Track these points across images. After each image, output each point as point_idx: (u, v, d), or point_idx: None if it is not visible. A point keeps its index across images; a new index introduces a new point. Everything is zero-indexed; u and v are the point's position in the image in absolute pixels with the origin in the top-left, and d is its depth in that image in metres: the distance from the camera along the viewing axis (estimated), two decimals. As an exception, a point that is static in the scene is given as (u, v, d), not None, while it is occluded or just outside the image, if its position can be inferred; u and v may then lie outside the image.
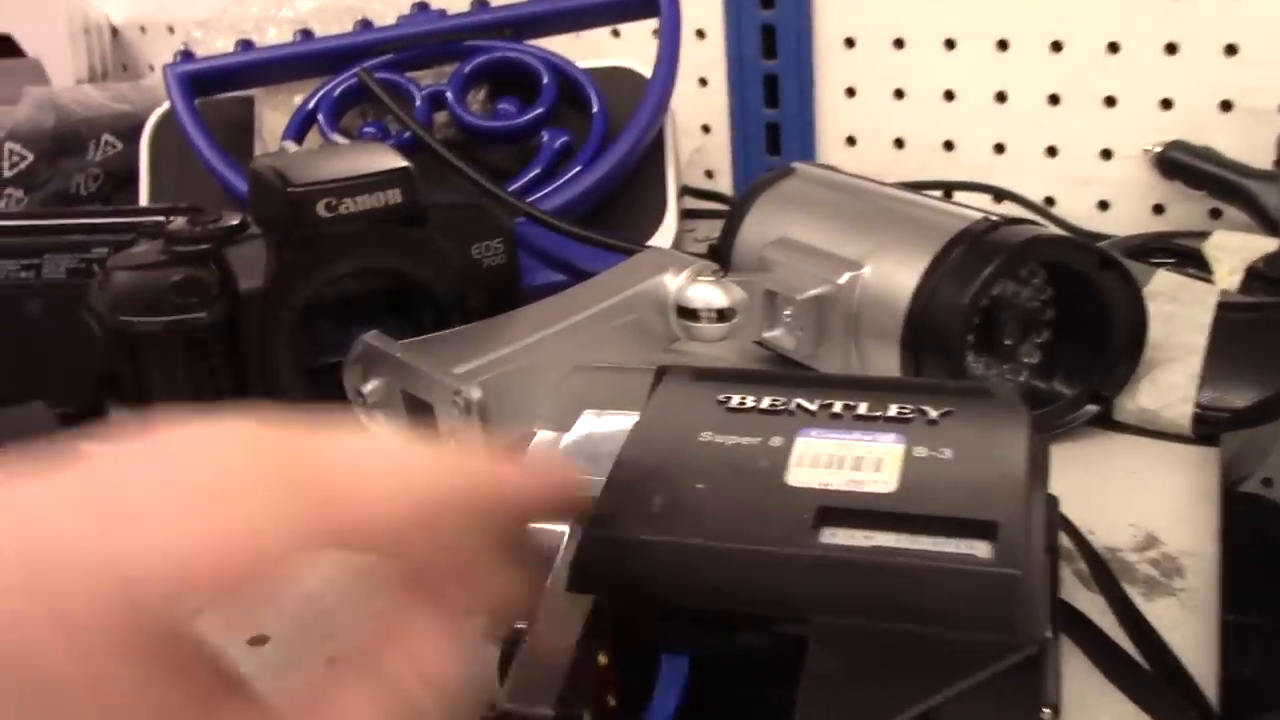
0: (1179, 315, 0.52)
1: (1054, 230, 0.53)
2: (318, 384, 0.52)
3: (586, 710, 0.31)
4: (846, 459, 0.34)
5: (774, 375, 0.42)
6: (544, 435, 0.41)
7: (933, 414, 0.36)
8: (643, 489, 0.34)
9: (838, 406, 0.37)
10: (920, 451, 0.34)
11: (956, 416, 0.36)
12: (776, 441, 0.35)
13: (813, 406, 0.37)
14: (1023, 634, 0.29)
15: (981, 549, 0.31)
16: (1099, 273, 0.49)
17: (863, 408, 0.37)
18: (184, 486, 0.23)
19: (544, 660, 0.31)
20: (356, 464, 0.25)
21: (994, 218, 0.49)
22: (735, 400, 0.38)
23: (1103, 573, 0.41)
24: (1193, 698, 0.34)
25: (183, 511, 0.22)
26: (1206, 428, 0.49)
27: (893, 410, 0.36)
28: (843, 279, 0.51)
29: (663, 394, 0.40)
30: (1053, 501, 0.39)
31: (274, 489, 0.23)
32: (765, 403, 0.38)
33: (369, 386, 0.52)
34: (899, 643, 0.30)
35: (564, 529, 0.34)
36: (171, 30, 1.10)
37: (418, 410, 0.51)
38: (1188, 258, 0.62)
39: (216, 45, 0.80)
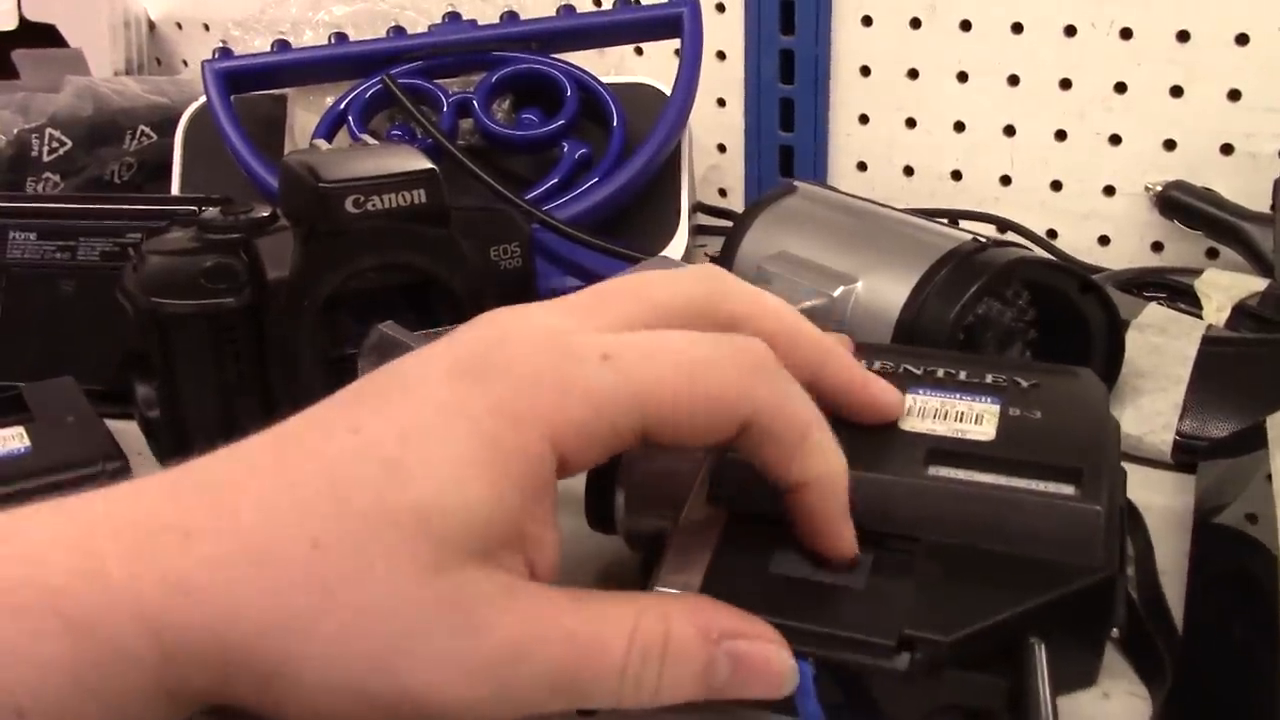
0: (1167, 347, 0.54)
1: (1038, 253, 0.55)
2: (336, 373, 0.55)
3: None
4: (951, 413, 0.39)
5: (882, 347, 0.47)
6: None
7: (1024, 384, 0.41)
8: None
9: (940, 373, 0.41)
10: (1014, 411, 0.39)
11: (1045, 387, 0.41)
12: None
13: (919, 371, 0.42)
14: (1100, 561, 0.34)
15: (1068, 490, 0.35)
16: (1079, 295, 0.51)
17: (963, 375, 0.41)
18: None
19: (690, 552, 0.35)
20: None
21: (981, 239, 0.52)
22: None
23: (1144, 545, 0.44)
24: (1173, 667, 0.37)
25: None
26: (1185, 456, 0.51)
27: (989, 379, 0.41)
28: (836, 292, 0.53)
29: None
30: (1124, 474, 0.43)
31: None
32: (876, 366, 0.42)
33: (384, 376, 0.54)
34: (993, 561, 0.34)
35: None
36: (207, 28, 1.12)
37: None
38: (1180, 293, 0.64)
39: (254, 44, 0.82)
